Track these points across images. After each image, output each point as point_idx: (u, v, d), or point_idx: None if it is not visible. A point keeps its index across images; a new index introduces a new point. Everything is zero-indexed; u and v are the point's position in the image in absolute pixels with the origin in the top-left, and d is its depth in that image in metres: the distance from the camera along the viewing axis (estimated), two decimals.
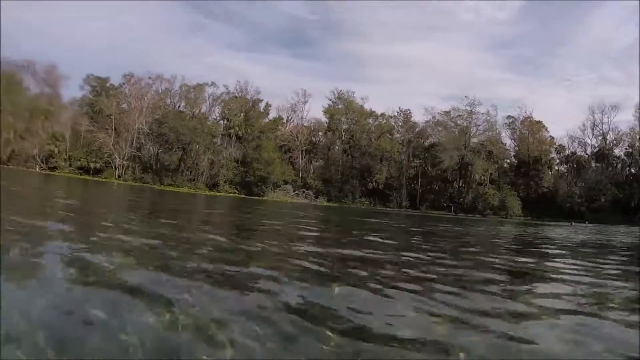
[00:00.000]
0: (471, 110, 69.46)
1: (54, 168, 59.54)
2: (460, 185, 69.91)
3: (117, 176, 60.26)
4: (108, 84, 68.00)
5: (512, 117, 72.45)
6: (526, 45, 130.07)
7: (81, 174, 59.46)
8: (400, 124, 72.07)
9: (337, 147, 70.80)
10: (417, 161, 70.86)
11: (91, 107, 65.01)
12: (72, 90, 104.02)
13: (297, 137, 69.22)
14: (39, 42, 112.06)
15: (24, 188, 23.58)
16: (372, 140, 69.66)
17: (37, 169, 58.64)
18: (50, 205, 14.67)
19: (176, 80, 67.88)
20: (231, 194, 59.93)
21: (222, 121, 68.19)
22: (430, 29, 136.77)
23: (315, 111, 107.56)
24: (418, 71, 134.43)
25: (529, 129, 70.57)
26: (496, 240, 17.18)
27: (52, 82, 65.16)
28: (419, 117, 72.74)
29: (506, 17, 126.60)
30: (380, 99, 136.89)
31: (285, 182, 63.58)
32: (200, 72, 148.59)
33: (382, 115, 72.06)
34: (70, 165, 60.48)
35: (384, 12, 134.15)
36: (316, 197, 63.10)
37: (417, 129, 71.69)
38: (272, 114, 71.83)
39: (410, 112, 71.60)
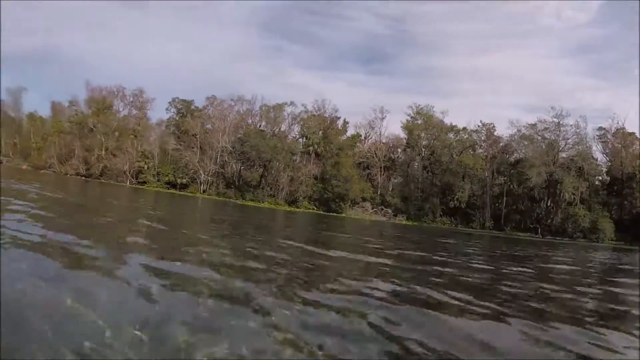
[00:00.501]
0: (559, 122, 64.32)
1: (143, 183, 62.51)
2: (549, 204, 64.86)
3: (202, 191, 62.13)
4: (192, 106, 71.87)
5: (604, 128, 67.10)
6: (610, 49, 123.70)
7: (168, 188, 61.83)
8: (482, 138, 68.34)
9: (416, 164, 68.57)
10: (502, 178, 66.67)
11: (177, 127, 68.92)
12: (159, 113, 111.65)
13: (375, 154, 68.12)
14: (128, 70, 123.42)
15: (119, 201, 24.92)
16: (454, 156, 66.64)
17: (128, 184, 61.71)
18: (143, 215, 15.77)
19: (256, 100, 70.35)
20: (310, 210, 59.77)
21: (301, 139, 68.91)
22: (508, 37, 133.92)
23: (393, 127, 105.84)
24: (499, 81, 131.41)
25: (622, 141, 64.91)
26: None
27: (140, 105, 70.92)
28: (502, 130, 69.11)
29: (587, 18, 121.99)
30: (461, 112, 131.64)
31: (364, 199, 62.53)
32: (279, 92, 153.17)
33: (464, 129, 68.70)
34: (158, 180, 63.06)
35: (458, 23, 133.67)
36: (395, 215, 61.32)
37: (501, 144, 67.51)
38: (350, 131, 71.82)
39: (493, 126, 67.69)
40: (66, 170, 64.18)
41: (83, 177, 62.00)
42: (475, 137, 68.90)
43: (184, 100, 71.97)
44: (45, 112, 79.18)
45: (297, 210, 57.93)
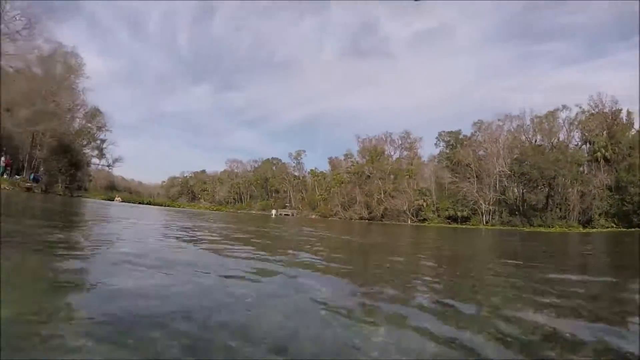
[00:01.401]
0: None
1: (423, 220, 65.43)
2: None
3: (484, 222, 61.93)
4: (460, 136, 72.62)
5: None
6: None
7: (449, 223, 63.27)
8: None
9: None
10: None
11: (449, 160, 70.15)
12: (429, 149, 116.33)
13: None
14: (389, 116, 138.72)
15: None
16: None
17: (409, 222, 65.22)
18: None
19: (525, 114, 66.18)
20: (608, 229, 52.87)
21: (584, 146, 62.53)
22: None
23: None
24: None
25: None
26: None
27: (409, 146, 75.33)
28: None
29: None
30: None
31: None
32: (545, 99, 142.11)
33: None
34: (438, 215, 65.31)
35: None
36: None
37: None
38: (637, 123, 60.80)
39: None
40: (350, 216, 71.70)
41: (366, 220, 67.99)
42: None
43: (450, 132, 73.42)
44: (324, 167, 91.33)
45: (593, 230, 51.71)
